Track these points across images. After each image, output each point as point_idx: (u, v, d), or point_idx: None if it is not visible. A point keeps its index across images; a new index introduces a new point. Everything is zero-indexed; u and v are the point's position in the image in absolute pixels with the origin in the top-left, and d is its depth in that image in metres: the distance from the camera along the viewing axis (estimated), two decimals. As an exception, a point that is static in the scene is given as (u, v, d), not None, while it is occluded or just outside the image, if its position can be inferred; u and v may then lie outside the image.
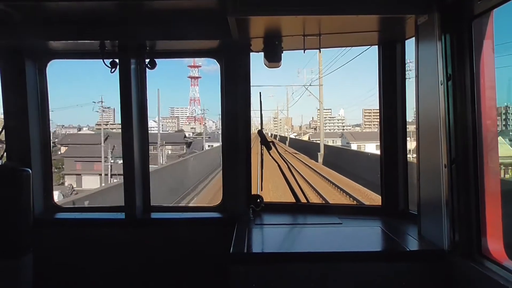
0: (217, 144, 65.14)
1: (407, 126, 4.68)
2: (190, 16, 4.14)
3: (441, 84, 3.24)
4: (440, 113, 3.28)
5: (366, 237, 4.18)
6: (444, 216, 3.31)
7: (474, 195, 3.18)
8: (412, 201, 4.50)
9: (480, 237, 3.16)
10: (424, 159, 3.70)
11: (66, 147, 66.50)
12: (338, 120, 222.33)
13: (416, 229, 3.88)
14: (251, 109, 4.95)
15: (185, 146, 73.18)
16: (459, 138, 3.23)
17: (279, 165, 5.03)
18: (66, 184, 57.15)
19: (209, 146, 71.80)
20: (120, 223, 4.81)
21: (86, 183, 55.57)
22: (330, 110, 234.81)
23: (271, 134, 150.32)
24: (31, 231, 3.84)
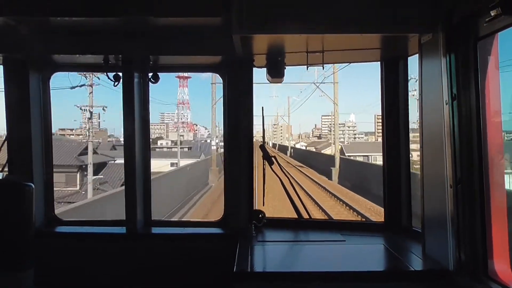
0: (188, 162, 47.36)
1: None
2: (194, 32, 4.16)
3: (446, 104, 3.24)
4: (445, 133, 3.27)
5: (370, 255, 4.15)
6: (450, 235, 3.28)
7: (480, 215, 3.16)
8: (415, 217, 4.48)
9: (486, 258, 3.14)
10: (429, 178, 3.68)
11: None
12: (349, 127, 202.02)
13: (419, 247, 3.86)
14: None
15: (78, 173, 35.77)
16: (465, 158, 3.21)
17: (281, 180, 5.02)
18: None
19: (174, 165, 48.85)
20: (121, 237, 4.78)
21: None
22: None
23: (273, 144, 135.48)
24: (33, 244, 3.82)
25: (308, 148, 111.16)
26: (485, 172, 3.14)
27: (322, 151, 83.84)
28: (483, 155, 3.15)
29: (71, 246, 4.80)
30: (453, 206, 3.23)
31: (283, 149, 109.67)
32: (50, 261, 4.50)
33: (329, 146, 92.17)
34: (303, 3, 3.51)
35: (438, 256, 3.49)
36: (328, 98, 48.90)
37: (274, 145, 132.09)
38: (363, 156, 66.39)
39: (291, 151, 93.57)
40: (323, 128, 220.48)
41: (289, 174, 5.35)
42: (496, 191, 3.15)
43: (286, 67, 4.57)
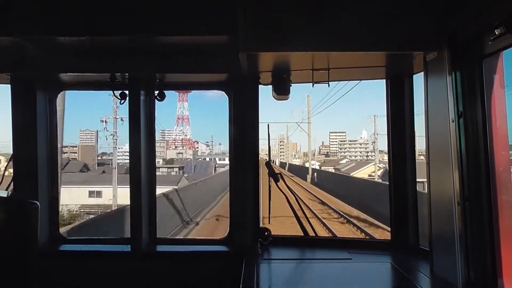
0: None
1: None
2: (200, 50, 4.21)
3: (453, 121, 3.23)
4: (452, 150, 3.26)
5: (377, 274, 4.10)
6: (458, 253, 3.24)
7: (489, 233, 3.14)
8: (422, 235, 4.43)
9: (496, 277, 3.10)
10: (436, 195, 3.66)
11: None
12: (360, 144, 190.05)
13: (427, 266, 3.82)
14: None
15: None
16: (472, 176, 3.20)
17: (287, 198, 4.99)
18: None
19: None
20: (126, 256, 4.76)
21: None
22: (344, 133, 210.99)
23: (281, 163, 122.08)
24: (37, 264, 3.81)
25: (323, 168, 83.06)
26: (493, 189, 3.13)
27: (352, 174, 58.37)
28: (491, 172, 3.14)
29: (75, 265, 4.78)
30: (461, 224, 3.19)
31: (297, 170, 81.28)
32: (54, 280, 4.48)
33: (365, 166, 72.27)
34: (309, 22, 3.55)
35: (447, 275, 3.45)
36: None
37: (282, 165, 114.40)
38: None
39: (313, 175, 59.69)
40: (331, 146, 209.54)
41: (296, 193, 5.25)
42: (504, 208, 3.13)
43: (292, 84, 4.59)
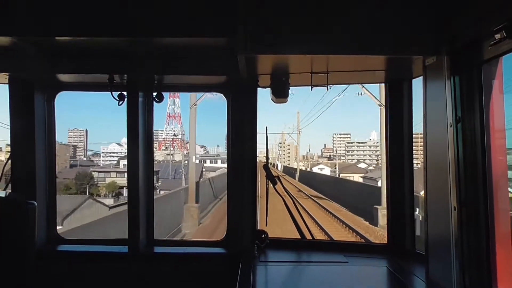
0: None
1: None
2: (199, 52, 4.21)
3: (450, 126, 3.22)
4: (449, 155, 3.25)
5: (373, 277, 4.11)
6: (454, 258, 3.23)
7: (485, 239, 3.12)
8: (418, 240, 4.42)
9: (491, 282, 3.09)
10: (432, 200, 3.65)
11: None
12: (370, 146, 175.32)
13: (423, 270, 3.81)
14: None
15: None
16: (469, 181, 3.19)
17: (284, 200, 5.00)
18: None
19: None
20: (123, 257, 4.76)
21: None
22: (349, 135, 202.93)
23: (285, 168, 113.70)
24: (35, 264, 3.81)
25: (342, 175, 64.92)
26: (489, 194, 3.12)
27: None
28: (488, 178, 3.13)
29: (72, 265, 4.78)
30: (457, 229, 3.19)
31: (327, 186, 50.10)
32: (52, 280, 4.48)
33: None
34: (308, 24, 3.54)
35: (442, 280, 3.44)
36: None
37: (289, 171, 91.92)
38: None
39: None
40: (338, 148, 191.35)
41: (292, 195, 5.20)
42: (501, 214, 3.12)
43: (291, 87, 4.59)
